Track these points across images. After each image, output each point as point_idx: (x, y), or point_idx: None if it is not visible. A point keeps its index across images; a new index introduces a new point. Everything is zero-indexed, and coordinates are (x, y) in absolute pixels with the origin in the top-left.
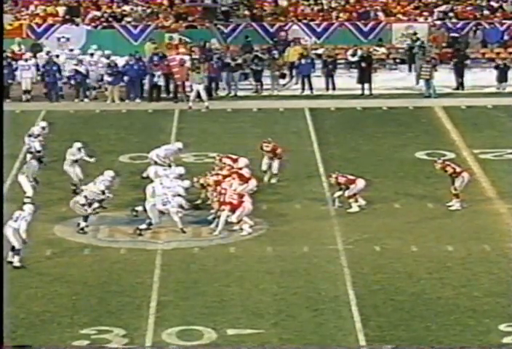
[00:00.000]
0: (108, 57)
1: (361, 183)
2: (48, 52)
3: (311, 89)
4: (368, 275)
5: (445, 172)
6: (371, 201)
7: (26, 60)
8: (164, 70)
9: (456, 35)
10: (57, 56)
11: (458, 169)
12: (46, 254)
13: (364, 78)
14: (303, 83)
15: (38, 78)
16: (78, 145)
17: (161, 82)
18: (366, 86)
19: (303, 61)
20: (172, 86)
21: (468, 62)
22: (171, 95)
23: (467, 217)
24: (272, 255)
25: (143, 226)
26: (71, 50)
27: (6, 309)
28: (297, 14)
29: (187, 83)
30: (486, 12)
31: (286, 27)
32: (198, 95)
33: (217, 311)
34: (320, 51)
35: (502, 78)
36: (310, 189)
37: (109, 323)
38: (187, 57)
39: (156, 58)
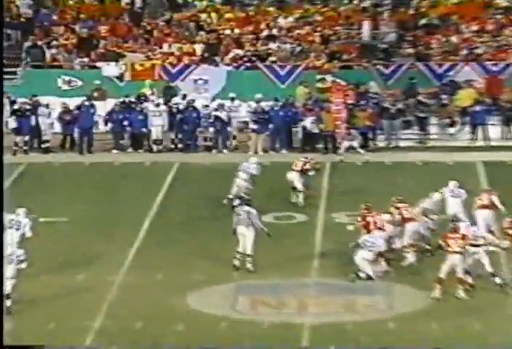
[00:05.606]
0: (257, 101)
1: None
2: (184, 96)
3: (487, 139)
4: None
5: None
6: None
7: (158, 105)
8: (317, 116)
9: None
10: (193, 100)
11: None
12: (177, 328)
13: None
14: (475, 132)
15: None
16: None
17: (315, 130)
18: None
19: (478, 107)
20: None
21: None
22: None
23: None
24: None
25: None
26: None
27: None
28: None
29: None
30: None
31: (457, 68)
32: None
33: None
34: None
35: None
36: None
37: None
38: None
39: (309, 103)
